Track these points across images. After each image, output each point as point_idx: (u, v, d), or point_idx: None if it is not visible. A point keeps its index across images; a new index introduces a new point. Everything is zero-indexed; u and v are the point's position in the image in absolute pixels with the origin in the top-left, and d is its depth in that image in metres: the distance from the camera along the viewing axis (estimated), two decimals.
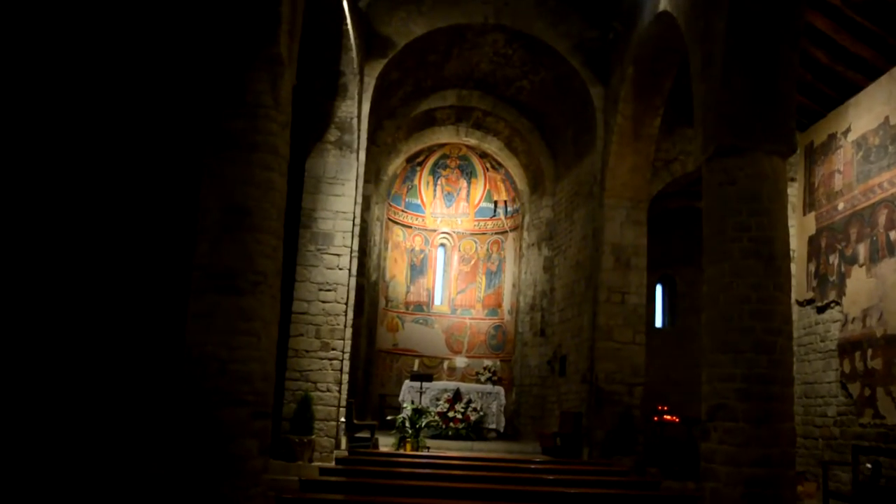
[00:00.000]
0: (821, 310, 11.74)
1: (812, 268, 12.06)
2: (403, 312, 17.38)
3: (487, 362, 16.87)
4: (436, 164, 17.77)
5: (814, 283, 11.99)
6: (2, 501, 6.35)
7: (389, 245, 17.19)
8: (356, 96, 11.47)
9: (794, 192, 12.48)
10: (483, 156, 17.28)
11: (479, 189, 17.98)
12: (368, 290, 15.00)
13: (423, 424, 11.81)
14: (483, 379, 16.16)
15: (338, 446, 10.79)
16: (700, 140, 8.01)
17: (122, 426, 8.51)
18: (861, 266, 10.74)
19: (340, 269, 11.17)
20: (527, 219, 16.53)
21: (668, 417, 13.26)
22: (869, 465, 9.17)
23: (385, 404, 15.64)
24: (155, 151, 9.66)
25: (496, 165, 17.28)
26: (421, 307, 17.59)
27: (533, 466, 9.16)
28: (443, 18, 12.50)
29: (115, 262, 9.27)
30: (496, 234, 17.92)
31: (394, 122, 14.66)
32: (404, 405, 13.15)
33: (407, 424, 11.66)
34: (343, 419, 11.02)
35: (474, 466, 8.78)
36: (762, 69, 7.52)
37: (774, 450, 6.82)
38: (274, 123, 6.79)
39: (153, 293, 9.32)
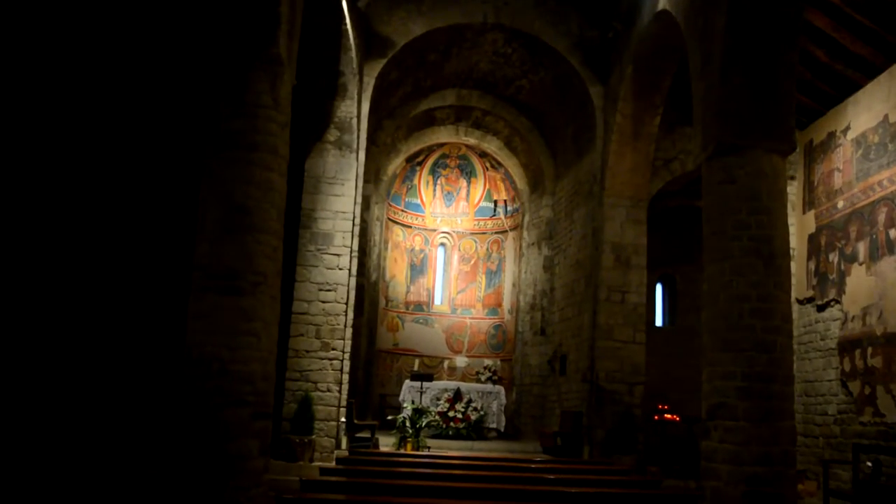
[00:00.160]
0: (821, 308, 11.74)
1: (812, 266, 12.06)
2: (403, 312, 17.38)
3: (488, 362, 16.87)
4: (435, 164, 17.78)
5: (814, 282, 11.99)
6: (2, 501, 6.35)
7: (389, 245, 17.19)
8: (356, 96, 11.47)
9: (794, 190, 12.49)
10: (483, 155, 17.29)
11: (478, 188, 17.99)
12: (368, 290, 15.00)
13: (424, 424, 11.80)
14: (483, 378, 16.17)
15: (338, 446, 10.79)
16: (700, 139, 8.01)
17: (122, 426, 8.50)
18: (861, 264, 10.74)
19: (340, 269, 11.17)
20: (526, 218, 16.53)
21: (669, 416, 13.27)
22: (869, 464, 9.16)
23: (385, 404, 15.64)
24: (155, 151, 9.66)
25: (496, 165, 17.28)
26: (421, 307, 17.59)
27: (534, 466, 9.16)
28: (442, 18, 12.50)
29: (115, 262, 9.27)
30: (496, 233, 17.92)
31: (393, 122, 14.66)
32: (405, 405, 13.15)
33: (407, 424, 11.65)
34: (343, 419, 11.02)
35: (475, 466, 8.79)
36: (762, 67, 7.52)
37: (775, 448, 6.82)
38: (273, 123, 6.79)
39: (153, 293, 9.32)
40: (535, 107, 14.89)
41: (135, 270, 9.37)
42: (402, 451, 11.17)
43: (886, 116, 10.35)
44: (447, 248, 18.05)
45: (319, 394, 10.73)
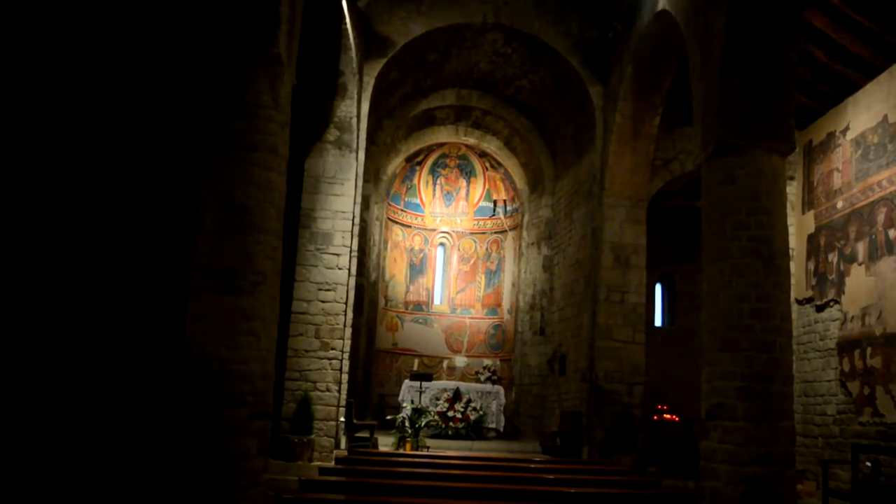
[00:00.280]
0: (820, 308, 11.75)
1: (811, 266, 12.07)
2: (403, 312, 17.38)
3: (487, 361, 16.87)
4: (435, 164, 17.78)
5: (813, 282, 11.99)
6: (2, 501, 6.35)
7: (389, 244, 17.19)
8: (355, 96, 11.47)
9: (793, 190, 12.49)
10: (482, 155, 17.29)
11: (478, 188, 17.99)
12: (368, 290, 15.00)
13: (423, 424, 11.80)
14: (483, 378, 16.17)
15: (337, 446, 10.79)
16: (699, 139, 8.02)
17: (121, 426, 8.50)
18: (860, 264, 10.74)
19: (340, 268, 11.17)
20: (526, 218, 16.53)
21: (668, 416, 13.26)
22: (868, 464, 9.16)
23: (385, 404, 15.64)
24: (154, 151, 9.65)
25: (495, 165, 17.28)
26: (420, 306, 17.60)
27: (533, 466, 9.16)
28: (442, 18, 12.50)
29: (114, 261, 9.26)
30: (495, 233, 17.92)
31: (393, 122, 14.66)
32: (404, 405, 13.15)
33: (406, 424, 11.65)
34: (342, 419, 11.02)
35: (474, 466, 8.79)
36: (761, 67, 7.53)
37: (774, 448, 6.82)
38: (273, 123, 6.79)
39: (153, 293, 9.31)
40: (535, 107, 14.89)
41: (134, 270, 9.37)
42: (401, 450, 11.17)
43: (886, 117, 10.35)
44: (447, 247, 18.05)
45: (318, 393, 10.74)
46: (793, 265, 11.90)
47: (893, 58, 10.17)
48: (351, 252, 11.30)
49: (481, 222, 18.00)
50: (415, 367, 16.42)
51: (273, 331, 6.69)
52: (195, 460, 6.05)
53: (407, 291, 17.59)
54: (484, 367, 16.61)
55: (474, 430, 13.97)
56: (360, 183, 11.62)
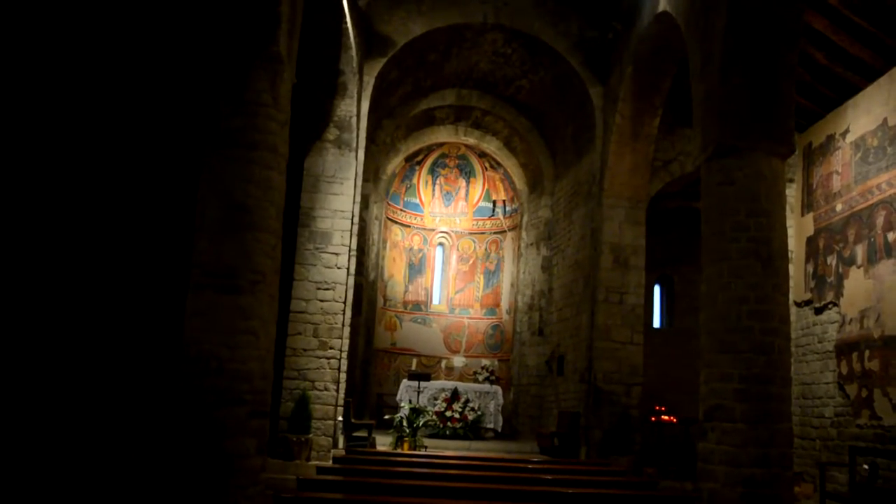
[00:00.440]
0: (818, 311, 11.75)
1: (810, 269, 12.08)
2: (401, 311, 17.38)
3: (485, 362, 16.87)
4: (435, 164, 17.78)
5: (812, 284, 12.00)
6: (2, 501, 6.34)
7: (388, 244, 17.19)
8: (355, 95, 11.47)
9: (793, 192, 12.50)
10: (482, 155, 17.29)
11: (477, 188, 18.00)
12: (367, 290, 15.00)
13: (421, 424, 11.80)
14: (481, 378, 16.17)
15: (335, 445, 10.79)
16: (699, 140, 8.02)
17: (120, 425, 8.49)
18: (859, 267, 10.75)
19: (339, 268, 11.16)
20: (525, 218, 16.53)
21: (666, 417, 13.28)
22: (866, 467, 9.17)
23: (383, 403, 15.64)
24: (155, 149, 9.64)
25: (495, 165, 17.28)
26: (419, 306, 17.60)
27: (530, 466, 9.16)
28: (442, 18, 12.50)
29: (113, 259, 9.26)
30: (495, 233, 17.93)
31: (393, 122, 14.66)
32: (402, 404, 13.14)
33: (404, 424, 11.65)
34: (341, 418, 11.01)
35: (472, 466, 8.78)
36: (761, 69, 7.53)
37: (772, 450, 6.82)
38: (273, 122, 6.79)
39: (152, 291, 9.30)
40: (535, 107, 14.89)
41: (133, 268, 9.36)
42: (399, 450, 11.16)
43: (885, 120, 10.36)
44: (446, 247, 18.05)
45: (317, 393, 10.73)
46: (792, 267, 11.91)
47: (893, 61, 10.18)
48: (350, 251, 11.30)
49: (480, 222, 18.01)
50: (413, 367, 16.42)
51: (272, 329, 6.69)
52: (193, 459, 6.05)
53: (406, 291, 17.59)
54: (482, 368, 16.61)
55: (472, 430, 13.97)
56: (359, 182, 11.62)
